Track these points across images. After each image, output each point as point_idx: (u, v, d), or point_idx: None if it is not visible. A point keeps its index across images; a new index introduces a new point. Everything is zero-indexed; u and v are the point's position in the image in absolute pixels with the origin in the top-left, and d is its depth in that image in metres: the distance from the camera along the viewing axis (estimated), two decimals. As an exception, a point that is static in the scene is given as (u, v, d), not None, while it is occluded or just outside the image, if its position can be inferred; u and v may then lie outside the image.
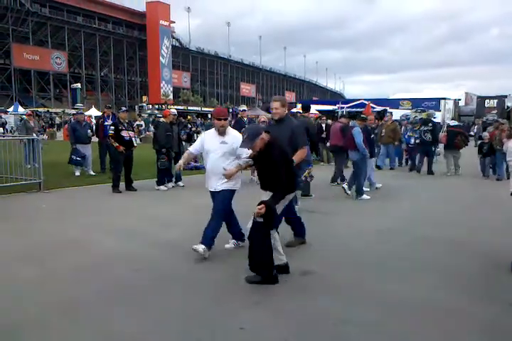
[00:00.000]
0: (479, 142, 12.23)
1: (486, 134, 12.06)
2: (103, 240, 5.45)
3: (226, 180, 4.70)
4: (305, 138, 5.15)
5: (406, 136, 13.65)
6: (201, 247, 4.63)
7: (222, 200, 4.83)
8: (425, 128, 12.55)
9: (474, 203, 8.31)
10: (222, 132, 4.82)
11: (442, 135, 12.59)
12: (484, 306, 3.68)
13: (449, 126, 13.10)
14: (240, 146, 4.21)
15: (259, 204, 4.00)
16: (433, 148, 12.84)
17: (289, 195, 4.31)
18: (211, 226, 4.75)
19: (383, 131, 13.29)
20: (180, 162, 5.08)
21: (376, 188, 9.54)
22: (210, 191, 4.91)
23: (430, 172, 12.47)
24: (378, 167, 12.46)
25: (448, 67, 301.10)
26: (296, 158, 4.81)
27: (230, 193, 4.85)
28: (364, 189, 8.72)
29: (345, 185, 8.72)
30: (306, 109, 9.19)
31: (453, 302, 3.75)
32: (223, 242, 4.96)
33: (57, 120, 41.66)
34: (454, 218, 7.01)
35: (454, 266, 4.68)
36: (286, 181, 4.13)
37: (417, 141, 12.80)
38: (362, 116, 9.27)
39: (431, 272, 4.49)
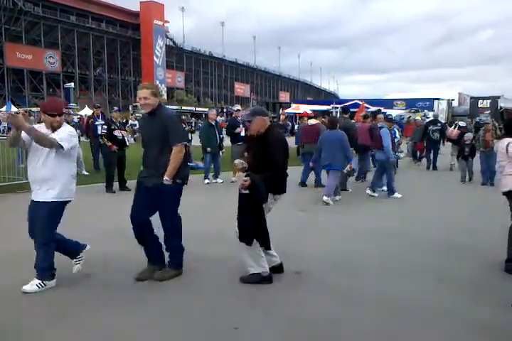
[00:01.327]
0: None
1: (468, 135, 12.01)
2: (98, 240, 5.40)
3: (48, 188, 3.80)
4: (182, 134, 4.25)
5: None
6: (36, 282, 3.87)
7: (43, 217, 3.82)
8: (434, 128, 13.27)
9: (473, 204, 8.33)
10: (56, 128, 3.83)
11: (456, 132, 12.82)
12: (483, 306, 3.67)
13: (459, 126, 13.69)
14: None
15: (246, 175, 3.90)
16: (439, 146, 13.42)
17: (279, 196, 4.14)
18: (38, 256, 3.90)
19: None
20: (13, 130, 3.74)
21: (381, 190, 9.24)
22: (32, 200, 3.98)
23: (434, 167, 13.15)
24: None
25: (443, 68, 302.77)
26: (173, 160, 3.98)
27: (55, 206, 3.88)
28: (382, 188, 8.93)
29: (368, 191, 8.80)
30: (345, 111, 10.14)
31: (451, 303, 3.74)
32: (212, 247, 4.78)
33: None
34: (453, 219, 7.01)
35: (454, 267, 4.68)
36: (279, 180, 4.04)
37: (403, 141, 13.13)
38: (389, 117, 9.34)
39: (430, 273, 4.49)
